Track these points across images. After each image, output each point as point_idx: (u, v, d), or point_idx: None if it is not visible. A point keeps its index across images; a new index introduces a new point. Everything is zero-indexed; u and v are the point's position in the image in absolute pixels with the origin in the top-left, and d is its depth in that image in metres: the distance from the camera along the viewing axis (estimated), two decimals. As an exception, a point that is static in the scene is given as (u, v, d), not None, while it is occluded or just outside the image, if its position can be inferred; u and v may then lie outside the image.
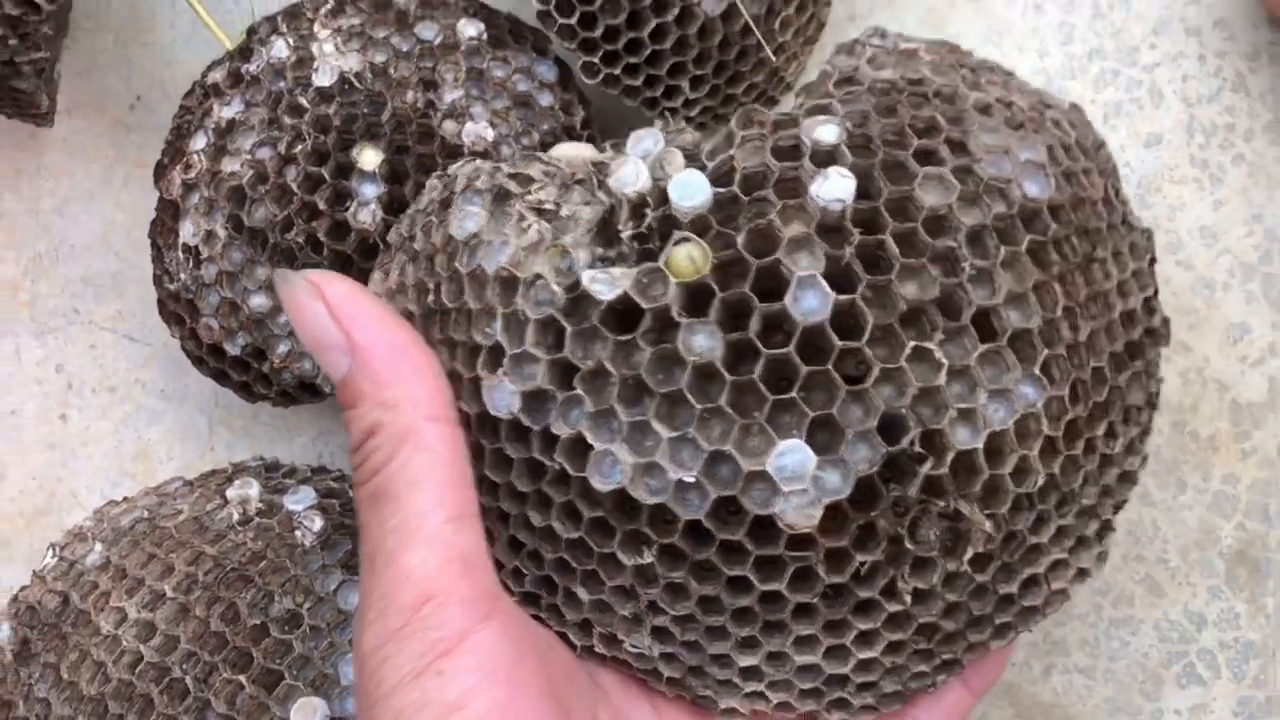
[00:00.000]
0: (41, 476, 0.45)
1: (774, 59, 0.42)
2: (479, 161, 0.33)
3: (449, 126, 0.39)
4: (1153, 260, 0.34)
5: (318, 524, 0.37)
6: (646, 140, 0.31)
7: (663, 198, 0.30)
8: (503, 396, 0.30)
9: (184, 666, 0.35)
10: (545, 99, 0.41)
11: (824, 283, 0.28)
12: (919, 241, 0.29)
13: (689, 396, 0.28)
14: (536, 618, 0.32)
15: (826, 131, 0.30)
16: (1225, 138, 0.44)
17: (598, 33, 0.40)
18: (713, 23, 0.40)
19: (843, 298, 0.28)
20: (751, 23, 0.40)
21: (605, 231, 0.30)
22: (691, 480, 0.29)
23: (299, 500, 0.38)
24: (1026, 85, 0.35)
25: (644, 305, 0.28)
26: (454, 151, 0.39)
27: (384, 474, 0.29)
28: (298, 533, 0.37)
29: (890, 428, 0.29)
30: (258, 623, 0.35)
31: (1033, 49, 0.45)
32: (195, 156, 0.40)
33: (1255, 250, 0.42)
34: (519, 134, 0.40)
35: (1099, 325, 0.31)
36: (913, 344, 0.28)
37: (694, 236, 0.29)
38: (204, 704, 0.34)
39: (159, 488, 0.40)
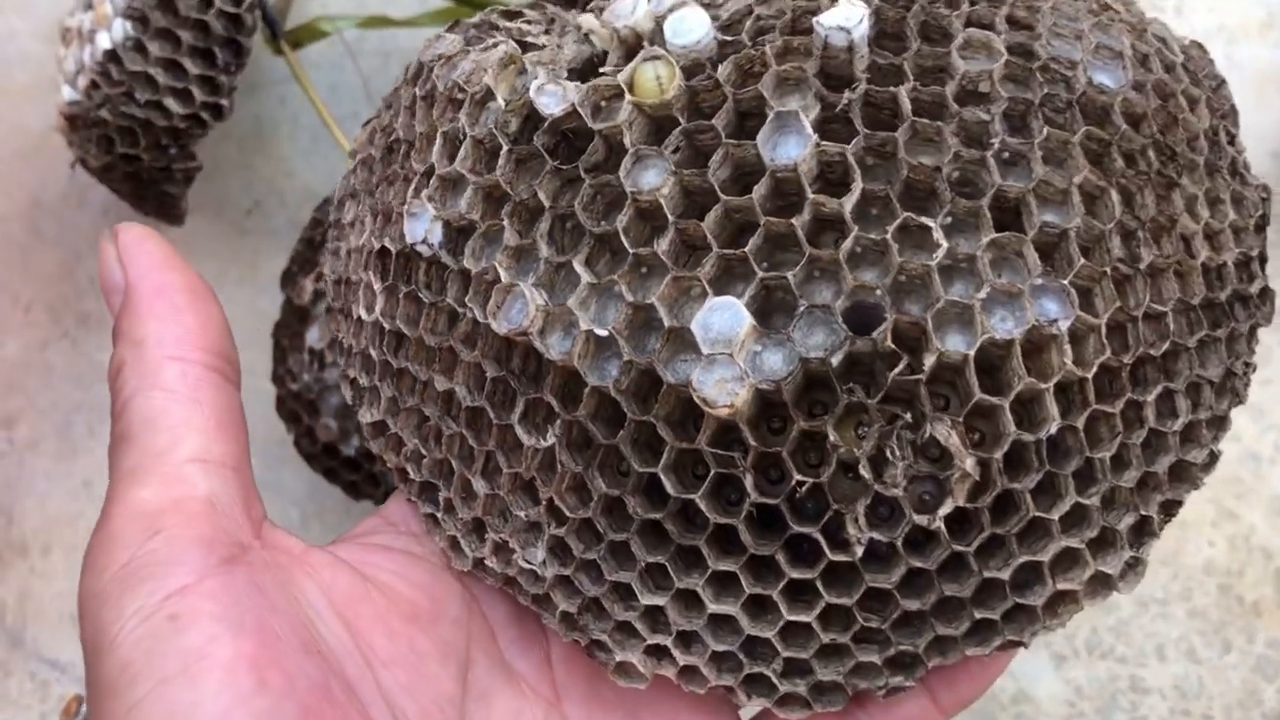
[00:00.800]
0: (137, 555, 0.47)
1: None
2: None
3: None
4: (1264, 221, 0.28)
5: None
6: None
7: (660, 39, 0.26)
8: (422, 223, 0.26)
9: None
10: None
11: (808, 125, 0.24)
12: (942, 108, 0.24)
13: (623, 239, 0.24)
14: (430, 518, 0.28)
15: None
16: (1277, 322, 0.47)
17: None
18: None
19: (830, 146, 0.24)
20: None
21: (585, 71, 0.26)
22: (604, 335, 0.24)
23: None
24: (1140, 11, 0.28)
25: (594, 126, 0.24)
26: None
27: (125, 415, 0.27)
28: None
29: (862, 318, 0.24)
30: None
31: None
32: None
33: (1300, 428, 0.45)
34: None
35: (1168, 263, 0.25)
36: (905, 216, 0.23)
37: (664, 53, 0.25)
38: None
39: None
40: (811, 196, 0.24)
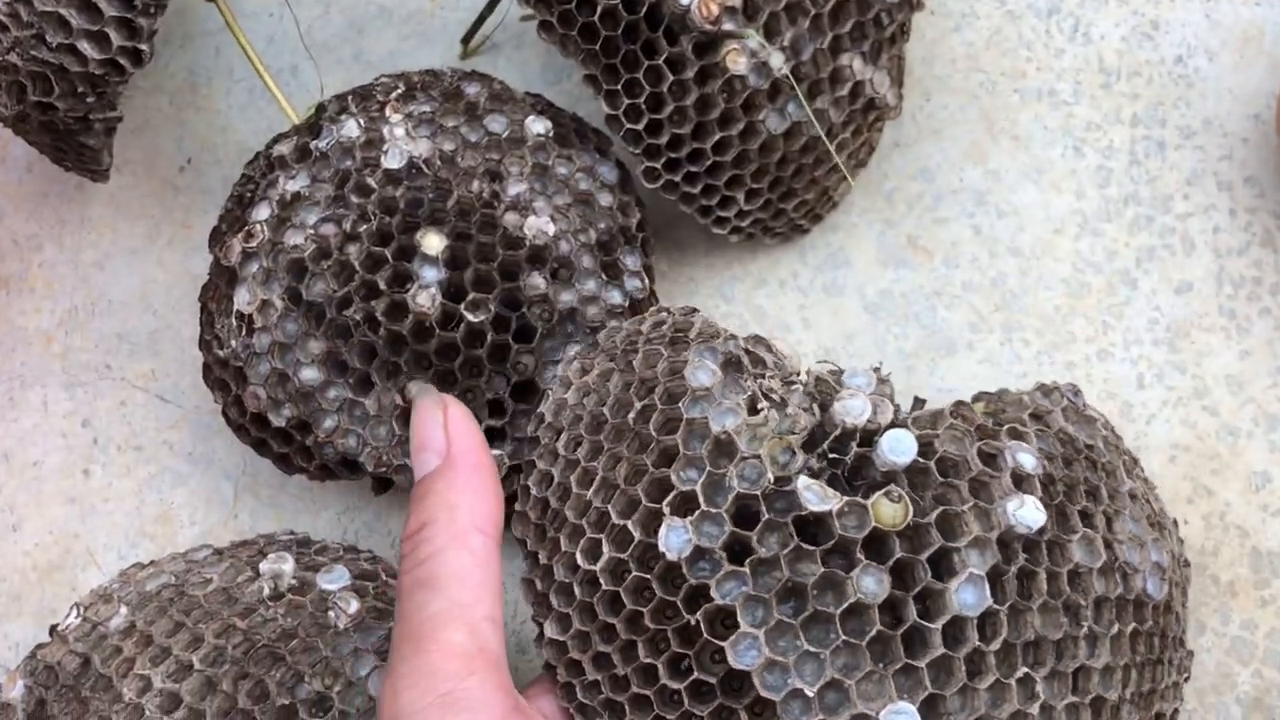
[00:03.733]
0: (59, 531, 0.44)
1: (844, 170, 0.43)
2: (706, 319, 0.37)
3: (511, 218, 0.40)
4: (1186, 678, 0.37)
5: (353, 606, 0.37)
6: (860, 379, 0.34)
7: (867, 439, 0.32)
8: (677, 539, 0.31)
9: (207, 745, 0.34)
10: (605, 199, 0.42)
11: (987, 586, 0.31)
12: (1060, 587, 0.32)
13: (838, 625, 0.30)
14: None
15: (1028, 460, 0.33)
16: (1253, 290, 0.45)
17: (663, 140, 0.41)
18: (774, 140, 0.41)
19: (991, 605, 0.31)
20: (824, 138, 0.41)
21: (810, 443, 0.33)
22: (809, 694, 0.30)
23: (333, 580, 0.38)
24: (1153, 488, 0.38)
25: (841, 531, 0.31)
26: (515, 243, 0.40)
27: (430, 564, 0.32)
28: (331, 613, 0.37)
29: None
30: (286, 703, 0.35)
31: (1070, 190, 0.47)
32: (258, 226, 0.40)
33: (1279, 401, 0.44)
34: (577, 230, 0.41)
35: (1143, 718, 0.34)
36: (1024, 671, 0.31)
37: (905, 495, 0.31)
38: (226, 783, 0.33)
39: (187, 554, 0.40)
40: (977, 644, 0.30)
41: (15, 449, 0.45)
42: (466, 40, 0.50)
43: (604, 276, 0.41)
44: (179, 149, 0.49)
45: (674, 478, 0.32)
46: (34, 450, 0.45)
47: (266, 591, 0.37)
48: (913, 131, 0.48)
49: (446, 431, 0.34)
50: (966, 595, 0.31)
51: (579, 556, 0.33)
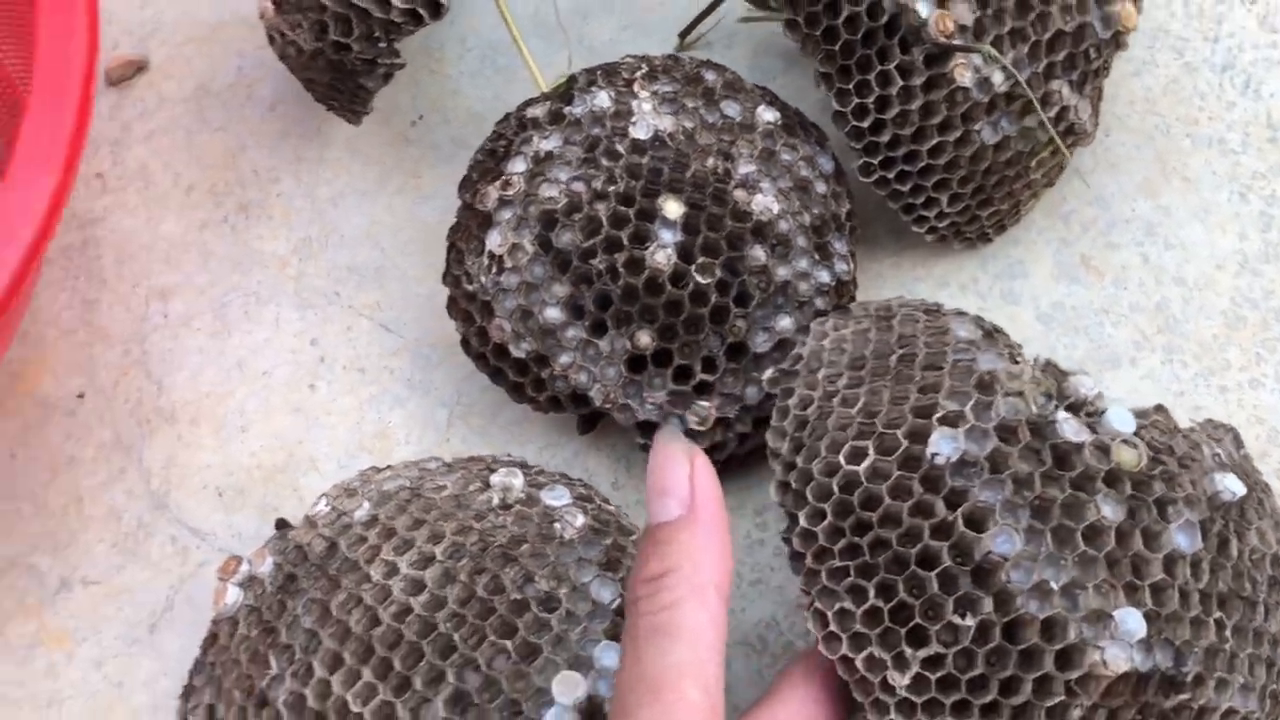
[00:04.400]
0: (283, 437, 0.48)
1: (1067, 155, 0.47)
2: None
3: (740, 195, 0.44)
4: None
5: (579, 520, 0.40)
6: (1085, 383, 0.38)
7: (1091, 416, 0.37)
8: (947, 445, 0.35)
9: (449, 625, 0.38)
10: (820, 187, 0.46)
11: (1199, 534, 0.35)
12: (1246, 558, 0.36)
13: (1079, 538, 0.34)
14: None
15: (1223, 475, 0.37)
16: (1399, 340, 0.48)
17: (883, 139, 0.45)
18: (985, 150, 0.45)
19: (1200, 550, 0.35)
20: (1057, 138, 0.46)
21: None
22: (1054, 587, 0.34)
23: (557, 497, 0.42)
24: None
25: (1089, 463, 0.35)
26: (742, 216, 0.43)
27: (670, 613, 0.33)
28: (557, 525, 0.40)
29: None
30: (518, 598, 0.38)
31: (1234, 231, 0.50)
32: (515, 178, 0.44)
33: None
34: (795, 212, 0.45)
35: None
36: (1218, 615, 0.35)
37: (1140, 444, 0.36)
38: (468, 661, 0.37)
39: (419, 463, 0.44)
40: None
41: (248, 359, 0.49)
42: (684, 35, 0.54)
43: (815, 257, 0.45)
44: (413, 106, 0.53)
45: (946, 404, 0.36)
46: (264, 361, 0.49)
47: (495, 501, 0.41)
48: (1091, 162, 0.51)
49: (692, 483, 0.35)
50: (1182, 538, 0.35)
51: (841, 459, 0.36)
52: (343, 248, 0.51)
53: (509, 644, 0.37)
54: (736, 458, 0.45)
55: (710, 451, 0.44)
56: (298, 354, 0.49)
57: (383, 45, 0.43)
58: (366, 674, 0.37)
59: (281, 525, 0.45)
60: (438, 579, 0.39)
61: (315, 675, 0.38)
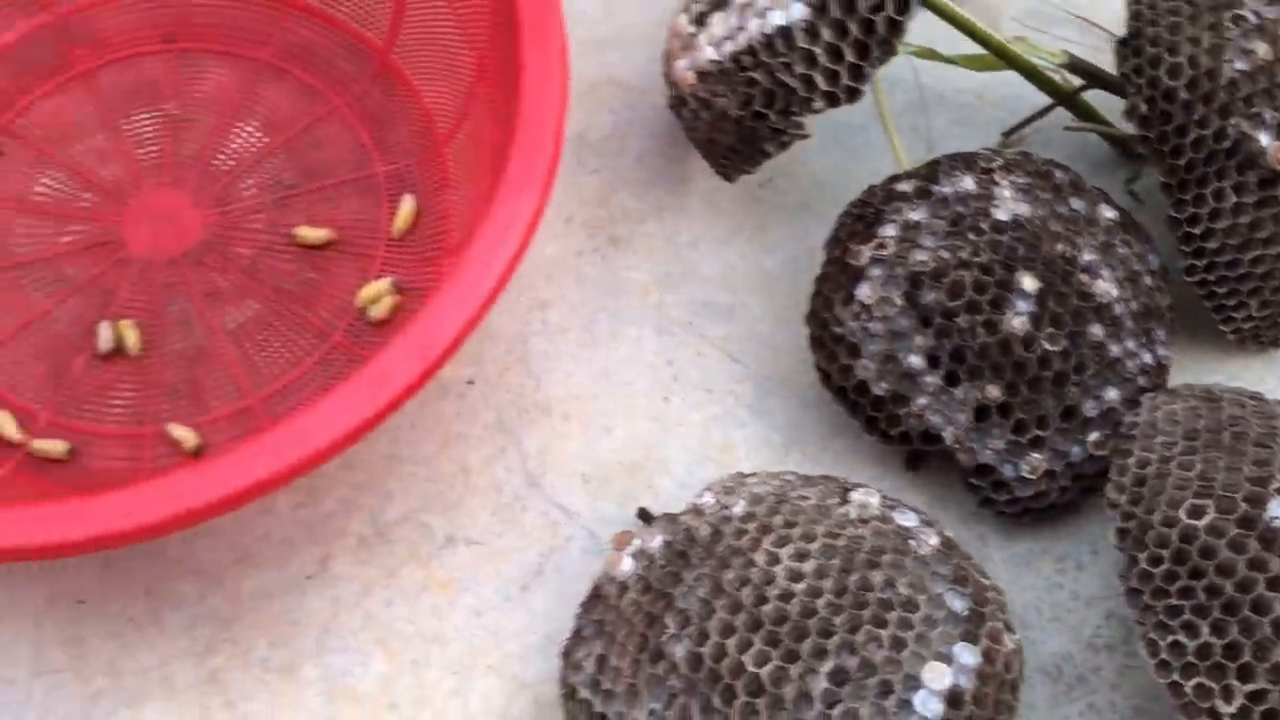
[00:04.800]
0: (641, 440, 0.55)
1: None
2: None
3: (1084, 278, 0.50)
4: None
5: (933, 539, 0.47)
6: None
7: None
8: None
9: (827, 610, 0.44)
10: (1147, 280, 0.53)
11: None
12: None
13: None
14: None
15: None
16: None
17: (1210, 245, 0.51)
18: (1302, 270, 0.51)
19: None
20: None
21: None
22: None
23: (908, 519, 0.48)
24: None
25: None
26: (1085, 297, 0.50)
27: None
28: (911, 542, 0.47)
29: None
30: (885, 598, 0.45)
31: None
32: (888, 240, 0.51)
33: None
34: (1128, 299, 0.51)
35: None
36: None
37: None
38: (845, 644, 0.43)
39: (779, 474, 0.51)
40: None
41: (613, 369, 0.57)
42: (1008, 134, 0.61)
43: (1142, 340, 0.51)
44: (764, 170, 0.61)
45: (1277, 474, 0.42)
46: (627, 373, 0.57)
47: (853, 515, 0.48)
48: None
49: None
50: None
51: (1181, 514, 0.42)
52: (698, 285, 0.59)
53: (882, 634, 0.44)
54: (1055, 507, 0.51)
55: (1033, 499, 0.50)
56: (655, 370, 0.57)
57: (795, 120, 0.50)
58: (758, 642, 0.44)
59: (643, 514, 0.52)
60: (814, 571, 0.45)
61: (711, 638, 0.44)
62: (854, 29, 0.48)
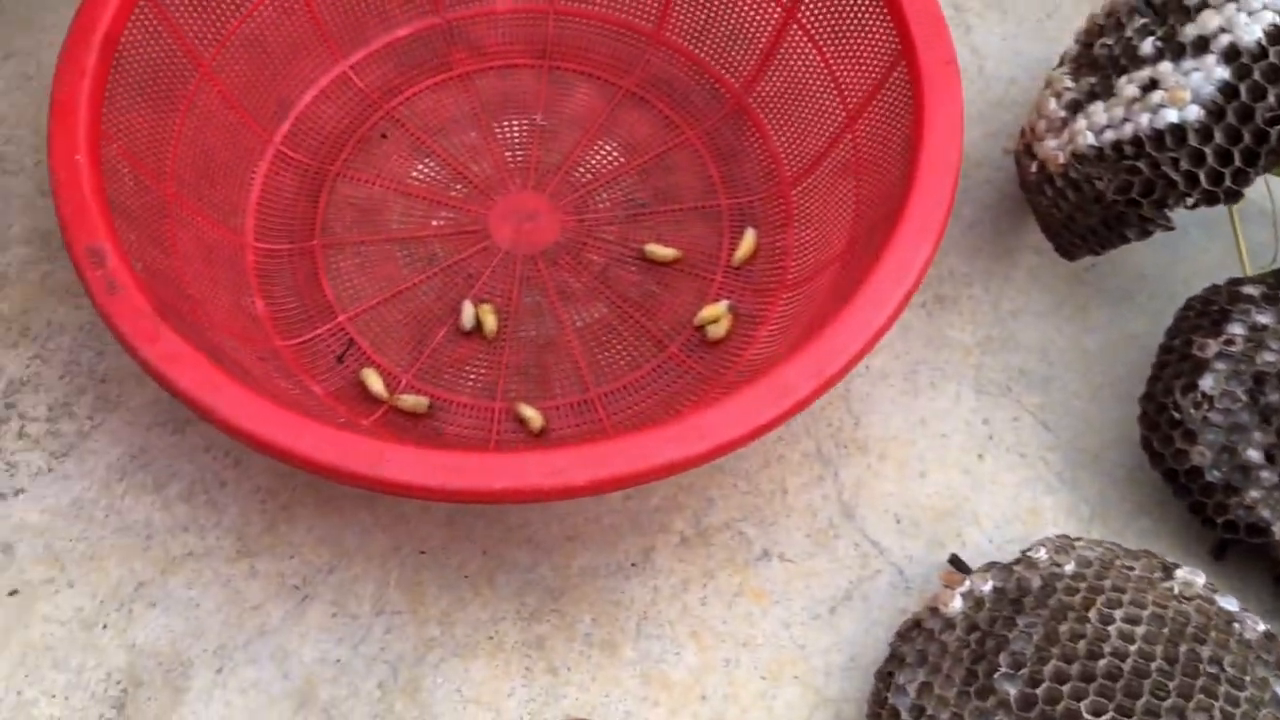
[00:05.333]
0: (953, 490, 0.58)
1: None
2: None
3: None
4: None
5: (1260, 626, 0.49)
6: None
7: None
8: None
9: (1159, 675, 0.46)
10: None
11: None
12: None
13: None
14: None
15: None
16: None
17: None
18: None
19: None
20: None
21: None
22: None
23: (1230, 603, 0.50)
24: None
25: None
26: None
27: None
28: (1235, 625, 0.49)
29: None
30: (1213, 672, 0.47)
31: None
32: (1236, 338, 0.54)
33: None
34: None
35: None
36: None
37: None
38: (1176, 709, 0.46)
39: (1101, 542, 0.53)
40: None
41: (930, 419, 0.60)
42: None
43: None
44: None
45: None
46: (943, 425, 0.60)
47: (1177, 590, 0.50)
48: None
49: None
50: None
51: None
52: (1017, 351, 0.62)
53: (1214, 705, 0.46)
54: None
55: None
56: (971, 427, 0.60)
57: (1166, 212, 0.53)
58: (1092, 693, 0.46)
59: (955, 561, 0.55)
60: (1144, 636, 0.48)
61: (1045, 683, 0.47)
62: (1247, 136, 0.51)
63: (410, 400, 0.59)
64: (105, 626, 0.54)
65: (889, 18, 0.57)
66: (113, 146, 0.54)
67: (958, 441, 0.59)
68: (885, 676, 0.51)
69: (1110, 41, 0.57)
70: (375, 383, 0.59)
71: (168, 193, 0.58)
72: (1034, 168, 0.59)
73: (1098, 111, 0.55)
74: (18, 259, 0.64)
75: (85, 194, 0.50)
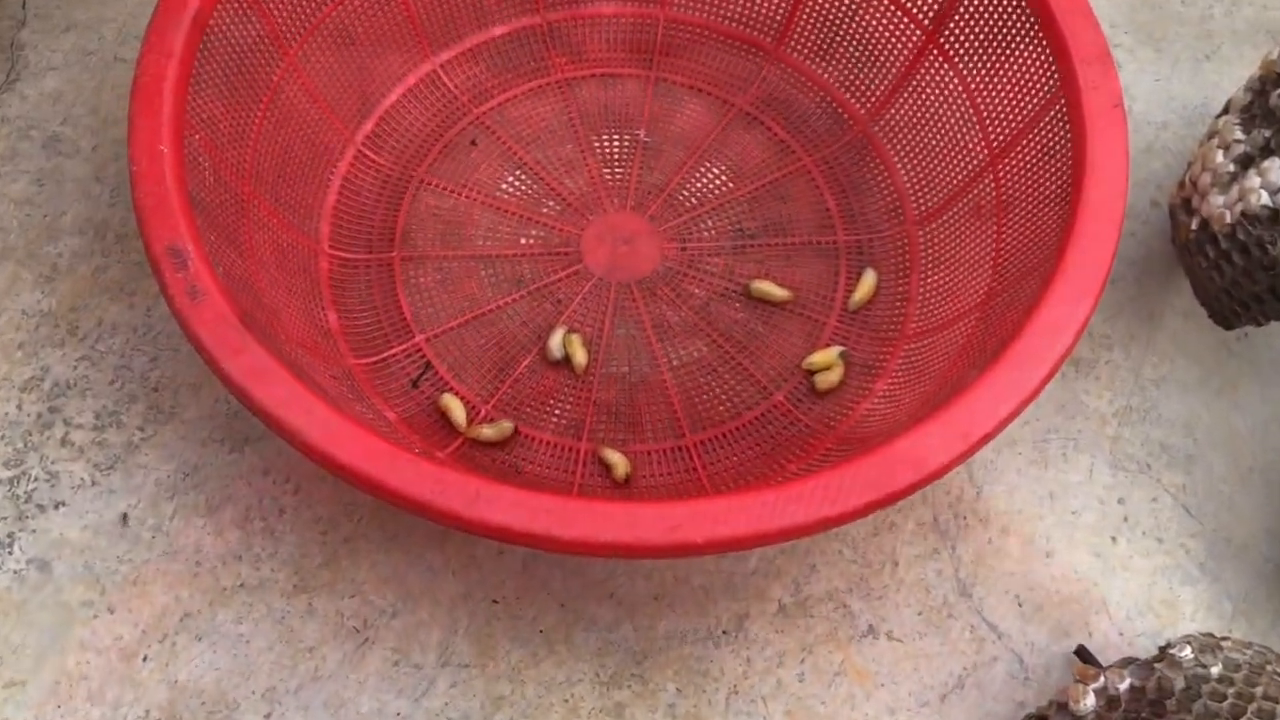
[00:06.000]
0: (1081, 573, 0.52)
1: None
2: None
3: None
4: None
5: None
6: None
7: None
8: None
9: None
10: None
11: None
12: None
13: None
14: None
15: None
16: None
17: None
18: None
19: None
20: None
21: None
22: None
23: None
24: None
25: None
26: None
27: None
28: None
29: None
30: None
31: None
32: None
33: None
34: None
35: None
36: None
37: None
38: None
39: (1249, 643, 0.47)
40: None
41: (1059, 494, 0.54)
42: None
43: None
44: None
45: None
46: (1074, 501, 0.54)
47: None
48: None
49: None
50: None
51: None
52: (1158, 425, 0.56)
53: None
54: None
55: None
56: (1105, 505, 0.54)
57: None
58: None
59: (1083, 653, 0.49)
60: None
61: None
62: None
63: (490, 431, 0.54)
64: (146, 659, 0.50)
65: (1049, 51, 0.52)
66: (195, 137, 0.49)
67: (1089, 520, 0.54)
68: (1011, 785, 0.46)
69: (1290, 91, 0.51)
70: (457, 411, 0.54)
71: (245, 191, 0.54)
72: (1194, 225, 0.53)
73: (1274, 169, 0.49)
74: (69, 250, 0.59)
75: (169, 188, 0.45)
